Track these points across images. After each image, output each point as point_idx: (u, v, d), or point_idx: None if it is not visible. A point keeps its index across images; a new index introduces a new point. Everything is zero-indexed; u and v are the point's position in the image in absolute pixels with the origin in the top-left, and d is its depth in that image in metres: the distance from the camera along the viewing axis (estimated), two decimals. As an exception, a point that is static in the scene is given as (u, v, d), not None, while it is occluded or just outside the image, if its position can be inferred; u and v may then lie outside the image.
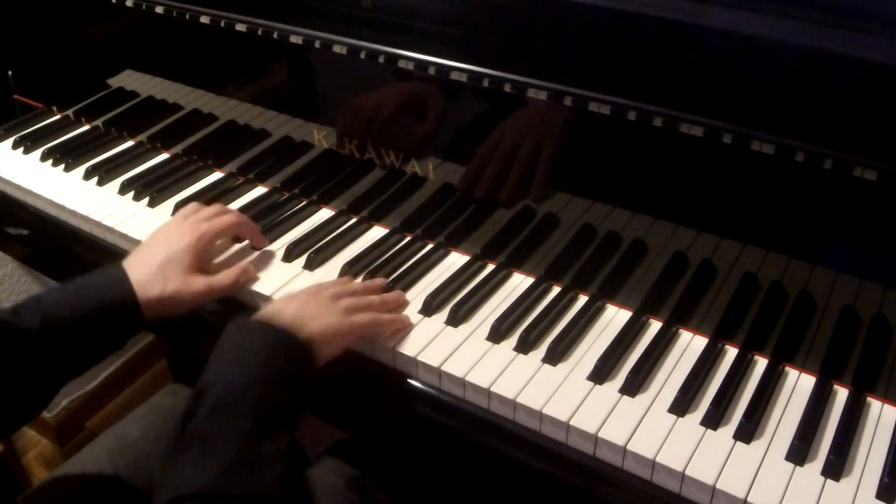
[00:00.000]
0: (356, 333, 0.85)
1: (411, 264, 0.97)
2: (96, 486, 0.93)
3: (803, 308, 0.80)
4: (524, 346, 0.85)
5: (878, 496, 0.70)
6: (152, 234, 0.95)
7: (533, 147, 0.89)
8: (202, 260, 0.93)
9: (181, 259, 0.89)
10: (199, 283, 0.90)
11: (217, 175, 1.18)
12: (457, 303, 0.90)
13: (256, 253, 1.01)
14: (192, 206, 1.00)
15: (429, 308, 0.90)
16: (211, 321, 0.97)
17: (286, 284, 0.95)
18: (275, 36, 0.99)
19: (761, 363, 0.84)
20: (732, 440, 0.75)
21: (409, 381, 0.86)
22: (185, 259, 0.89)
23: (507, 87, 0.85)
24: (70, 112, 1.32)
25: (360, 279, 0.95)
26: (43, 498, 0.91)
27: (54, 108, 1.34)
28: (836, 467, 0.72)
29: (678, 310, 0.88)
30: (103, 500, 0.93)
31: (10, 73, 1.36)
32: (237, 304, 0.96)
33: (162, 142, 1.23)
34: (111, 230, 1.07)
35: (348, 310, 0.85)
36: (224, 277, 0.92)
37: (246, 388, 0.72)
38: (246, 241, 1.02)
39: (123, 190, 1.13)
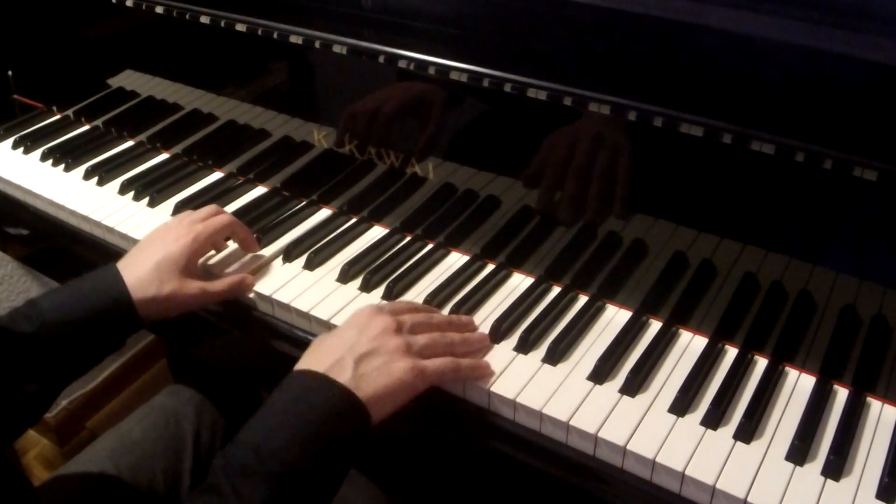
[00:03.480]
0: (427, 384, 0.77)
1: (411, 264, 0.97)
2: (98, 487, 0.93)
3: (803, 308, 0.80)
4: (524, 347, 0.85)
5: (878, 496, 0.70)
6: (147, 235, 0.95)
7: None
8: (196, 263, 0.92)
9: (177, 260, 0.89)
10: (194, 286, 0.89)
11: (217, 175, 1.18)
12: (456, 303, 0.90)
13: (251, 258, 1.00)
14: (186, 212, 0.99)
15: (429, 308, 0.90)
16: (211, 321, 0.97)
17: (286, 284, 0.94)
18: (275, 36, 0.99)
19: (761, 363, 0.84)
20: (732, 440, 0.75)
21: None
22: (181, 261, 0.89)
23: (508, 87, 0.85)
24: (70, 112, 1.32)
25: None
26: (45, 498, 0.91)
27: (54, 108, 1.34)
28: (836, 467, 0.72)
29: (678, 310, 0.88)
30: (105, 501, 0.93)
31: (10, 73, 1.36)
32: (238, 304, 0.96)
33: (162, 142, 1.23)
34: (111, 230, 1.07)
35: (422, 352, 0.77)
36: (220, 284, 0.92)
37: (290, 449, 0.67)
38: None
39: (123, 190, 1.13)
